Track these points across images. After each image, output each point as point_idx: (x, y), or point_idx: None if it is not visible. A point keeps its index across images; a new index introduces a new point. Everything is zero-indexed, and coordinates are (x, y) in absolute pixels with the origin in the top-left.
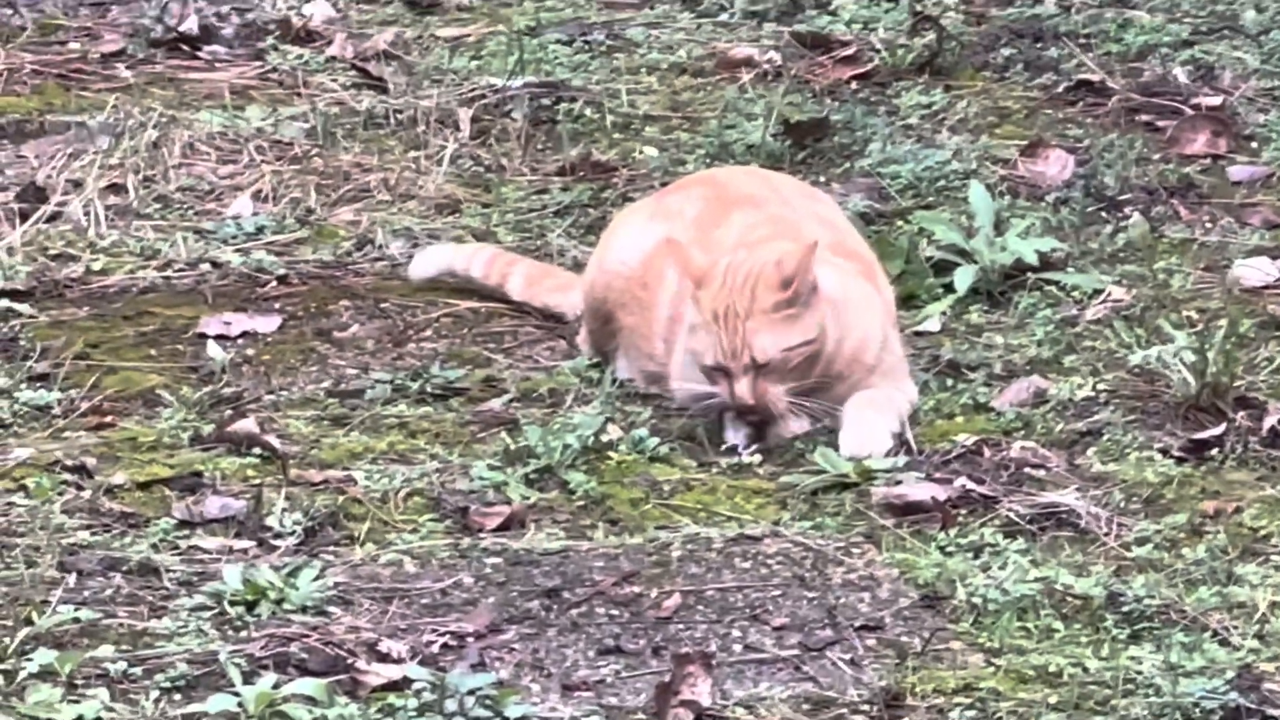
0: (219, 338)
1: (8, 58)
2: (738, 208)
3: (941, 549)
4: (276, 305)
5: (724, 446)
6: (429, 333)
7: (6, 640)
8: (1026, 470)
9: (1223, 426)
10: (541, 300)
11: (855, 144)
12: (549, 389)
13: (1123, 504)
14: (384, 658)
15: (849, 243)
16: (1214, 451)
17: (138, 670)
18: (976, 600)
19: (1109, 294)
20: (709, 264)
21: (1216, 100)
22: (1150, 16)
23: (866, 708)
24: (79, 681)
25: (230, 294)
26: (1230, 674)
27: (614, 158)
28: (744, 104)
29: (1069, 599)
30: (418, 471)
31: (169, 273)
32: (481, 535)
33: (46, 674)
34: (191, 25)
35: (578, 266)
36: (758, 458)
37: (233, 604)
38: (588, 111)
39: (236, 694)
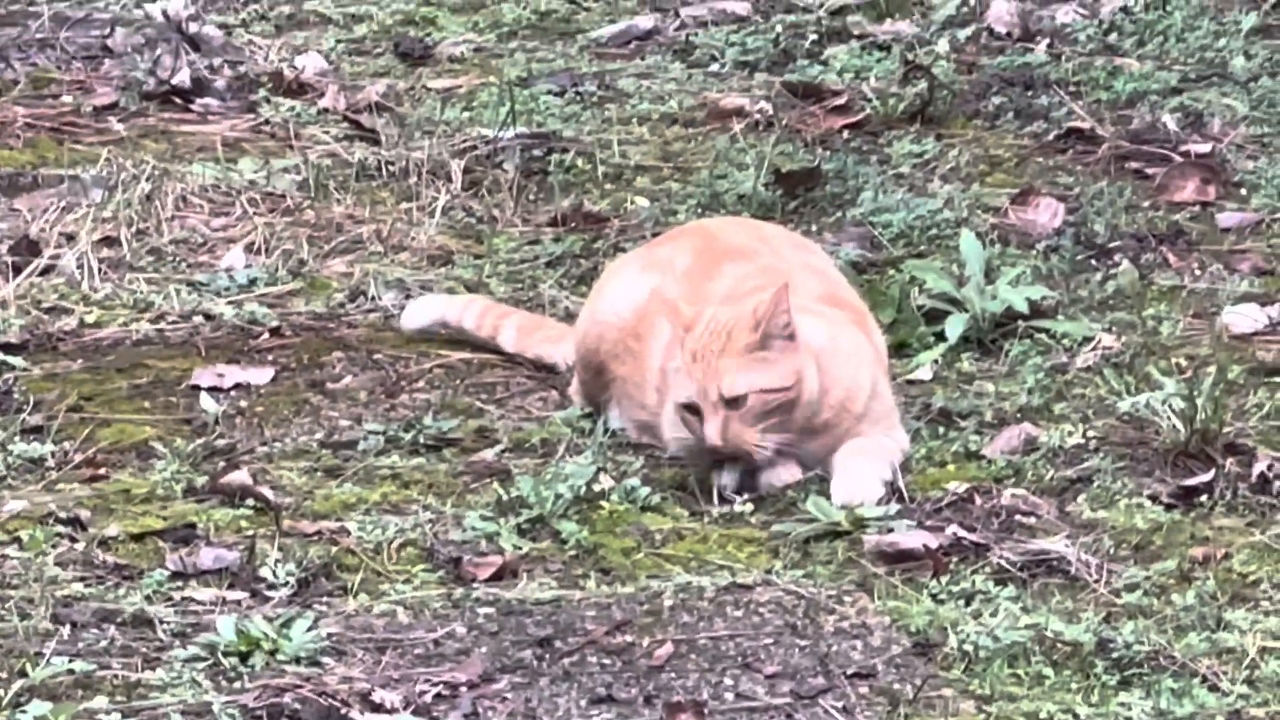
0: (212, 390)
1: (0, 111)
2: (729, 259)
3: (933, 596)
4: (269, 357)
5: (714, 488)
6: (421, 384)
7: (1, 692)
8: (1017, 518)
9: (1212, 473)
10: (534, 351)
11: (847, 193)
12: (541, 439)
13: (1112, 550)
14: (377, 708)
15: (840, 293)
16: (1203, 498)
17: None
18: (968, 647)
19: (1099, 341)
20: (696, 314)
21: (1205, 147)
22: (1139, 64)
23: None
24: None
25: (223, 346)
26: (1220, 719)
27: (605, 208)
28: (735, 154)
29: (1059, 646)
30: (411, 522)
31: (162, 325)
32: (474, 585)
33: None
34: (184, 78)
35: (570, 317)
36: (749, 506)
37: (226, 655)
38: (579, 162)
39: None
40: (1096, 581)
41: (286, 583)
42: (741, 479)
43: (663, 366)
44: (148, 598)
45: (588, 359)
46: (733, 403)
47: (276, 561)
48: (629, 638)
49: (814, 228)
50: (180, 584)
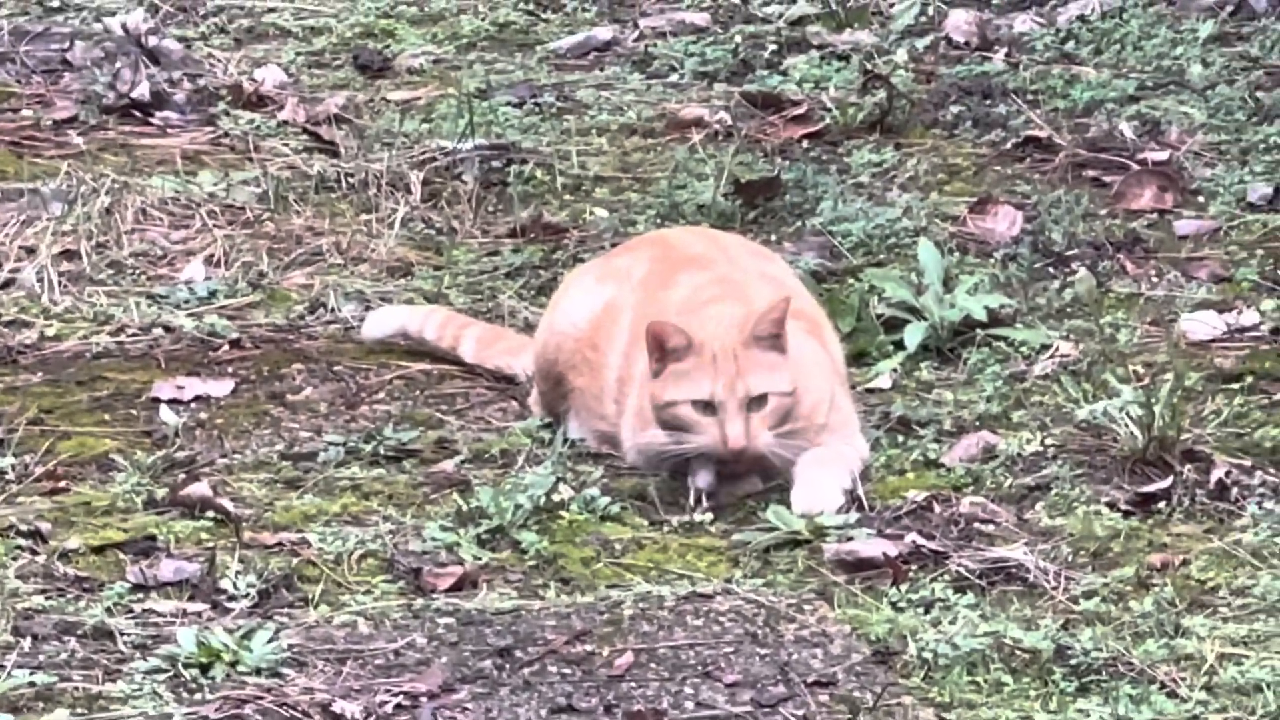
0: (172, 402)
1: None
2: (684, 269)
3: (893, 604)
4: (229, 369)
5: (693, 490)
6: (381, 395)
7: None
8: (976, 525)
9: (1170, 480)
10: (494, 362)
11: (806, 202)
12: (501, 450)
13: (1070, 558)
14: (338, 719)
15: (797, 302)
16: (1161, 505)
17: None
18: (927, 655)
19: (1056, 349)
20: (698, 321)
21: (1163, 155)
22: (1097, 72)
23: None
24: None
25: (183, 358)
26: None
27: (565, 219)
28: (694, 164)
29: (1018, 653)
30: (371, 533)
31: (122, 338)
32: (434, 596)
33: None
34: (143, 91)
35: (529, 327)
36: (709, 515)
37: (187, 667)
38: (538, 173)
39: None
40: (1055, 589)
41: (247, 594)
42: (717, 481)
43: (620, 376)
44: (108, 610)
45: (546, 370)
46: (756, 402)
47: (237, 573)
48: (589, 647)
49: (773, 237)
50: (141, 596)
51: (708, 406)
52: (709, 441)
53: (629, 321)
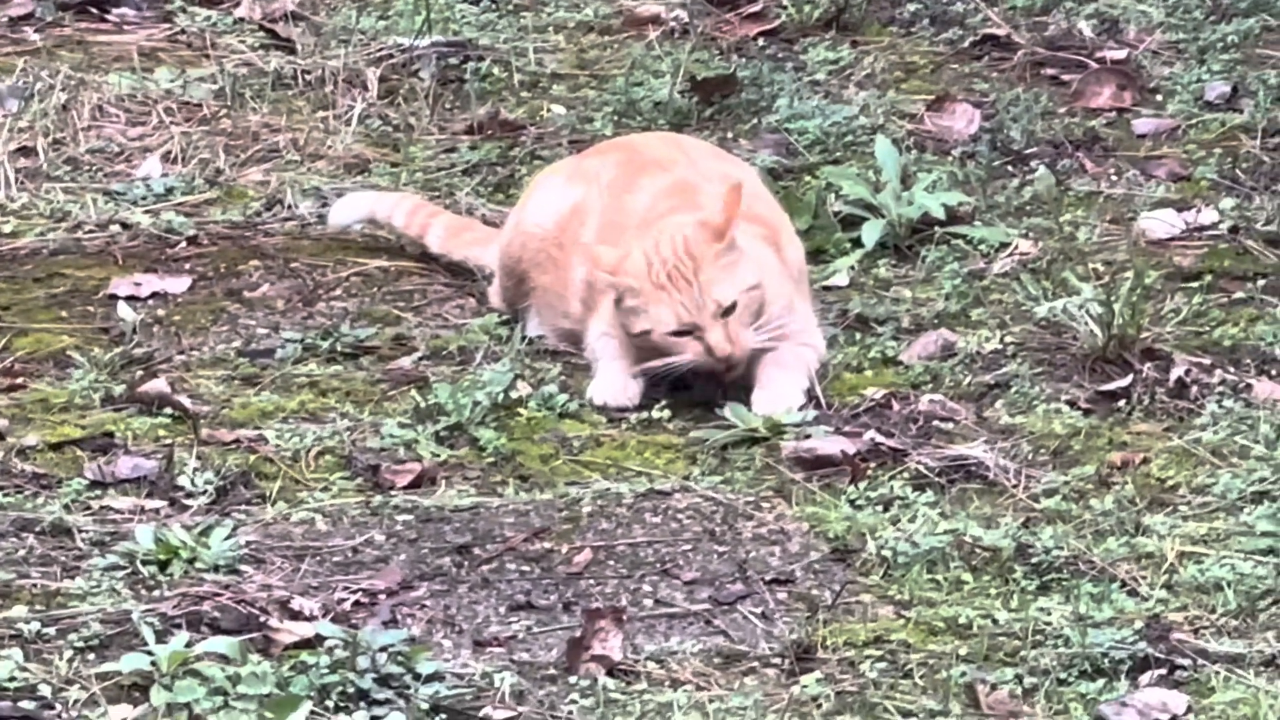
0: (129, 299)
1: None
2: (646, 173)
3: (851, 502)
4: (186, 266)
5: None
6: (339, 292)
7: None
8: (935, 423)
9: (1129, 378)
10: (460, 253)
11: (763, 100)
12: (458, 347)
13: (1030, 456)
14: (296, 615)
15: (756, 207)
16: (1121, 403)
17: (51, 630)
18: (886, 553)
19: (1015, 247)
20: (619, 254)
21: (1121, 54)
22: None
23: (778, 661)
24: None
25: (140, 255)
26: (1139, 624)
27: (522, 116)
28: (651, 61)
29: (978, 551)
30: (328, 430)
31: (79, 234)
32: (392, 493)
33: None
34: None
35: (487, 224)
36: (667, 413)
37: (145, 563)
38: (495, 70)
39: (150, 653)
40: (1015, 487)
41: (205, 491)
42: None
43: (586, 279)
44: (66, 507)
45: (510, 267)
46: (728, 310)
47: (194, 470)
48: (547, 544)
49: (730, 135)
50: (98, 493)
51: (683, 330)
52: (694, 356)
53: (596, 225)
